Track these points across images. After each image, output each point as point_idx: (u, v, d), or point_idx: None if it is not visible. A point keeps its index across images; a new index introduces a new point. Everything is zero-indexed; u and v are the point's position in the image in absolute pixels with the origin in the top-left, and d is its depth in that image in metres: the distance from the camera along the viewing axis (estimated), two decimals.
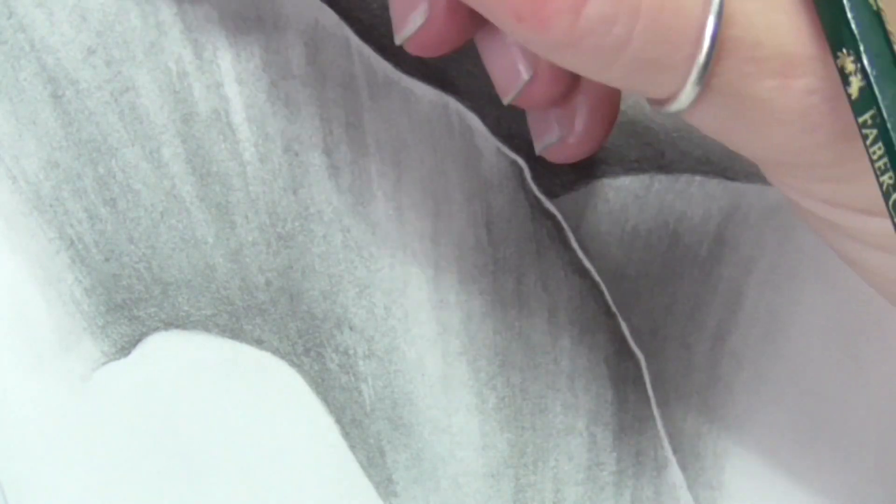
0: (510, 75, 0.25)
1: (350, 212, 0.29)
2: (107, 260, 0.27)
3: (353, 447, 0.29)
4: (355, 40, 0.29)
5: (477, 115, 0.29)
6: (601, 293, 0.30)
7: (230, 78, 0.28)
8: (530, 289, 0.30)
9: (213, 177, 0.28)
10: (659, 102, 0.22)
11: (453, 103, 0.29)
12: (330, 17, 0.29)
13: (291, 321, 0.28)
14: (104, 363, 0.28)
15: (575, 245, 0.30)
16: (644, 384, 0.30)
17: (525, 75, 0.25)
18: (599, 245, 0.30)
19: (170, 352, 0.28)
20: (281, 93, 0.28)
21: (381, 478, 0.29)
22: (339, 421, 0.29)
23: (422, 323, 0.29)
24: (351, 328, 0.29)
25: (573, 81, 0.26)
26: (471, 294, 0.29)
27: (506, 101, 0.26)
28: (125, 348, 0.28)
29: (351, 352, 0.29)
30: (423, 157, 0.29)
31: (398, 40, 0.26)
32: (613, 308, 0.30)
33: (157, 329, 0.28)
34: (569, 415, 0.30)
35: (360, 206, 0.29)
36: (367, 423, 0.29)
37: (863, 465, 0.32)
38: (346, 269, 0.29)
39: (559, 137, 0.27)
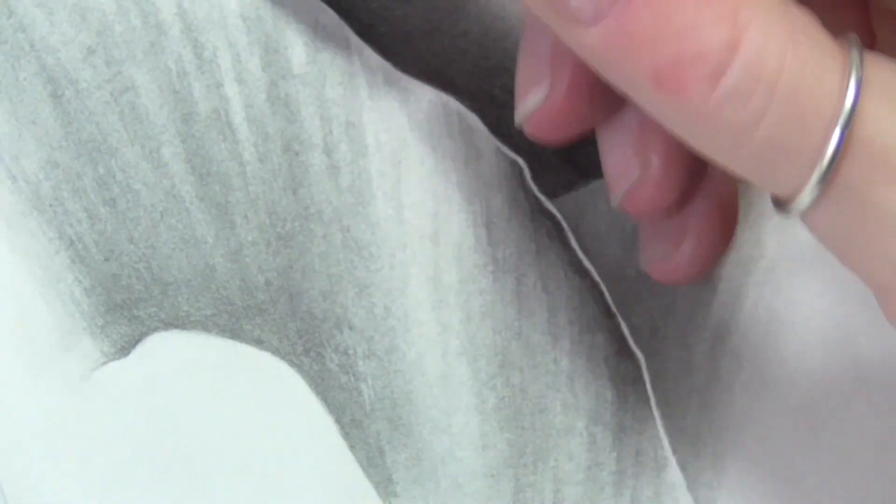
0: (622, 170, 0.25)
1: (350, 212, 0.29)
2: (106, 260, 0.27)
3: (352, 447, 0.29)
4: (355, 40, 0.29)
5: (477, 115, 0.29)
6: (601, 293, 0.30)
7: (230, 78, 0.28)
8: (530, 289, 0.30)
9: (212, 177, 0.28)
10: (782, 202, 0.22)
11: (453, 103, 0.29)
12: (330, 17, 0.29)
13: (291, 321, 0.28)
14: (104, 363, 0.28)
15: (575, 245, 0.30)
16: (644, 384, 0.30)
17: (636, 172, 0.25)
18: (599, 245, 0.30)
19: (170, 352, 0.28)
20: (281, 93, 0.28)
21: (381, 478, 0.29)
22: (338, 421, 0.29)
23: (422, 323, 0.29)
24: (351, 328, 0.29)
25: (683, 191, 0.26)
26: (471, 294, 0.29)
27: (614, 201, 0.26)
28: (125, 348, 0.28)
29: (351, 352, 0.29)
30: (423, 157, 0.29)
31: (517, 120, 0.25)
32: (613, 308, 0.30)
33: (156, 329, 0.28)
34: (569, 415, 0.30)
35: (360, 206, 0.29)
36: (366, 423, 0.29)
37: (863, 465, 0.32)
38: (346, 269, 0.29)
39: (665, 253, 0.27)
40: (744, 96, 0.20)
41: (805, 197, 0.21)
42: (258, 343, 0.28)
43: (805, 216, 0.22)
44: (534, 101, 0.25)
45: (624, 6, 0.20)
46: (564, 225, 0.30)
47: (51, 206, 0.27)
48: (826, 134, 0.20)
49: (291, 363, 0.29)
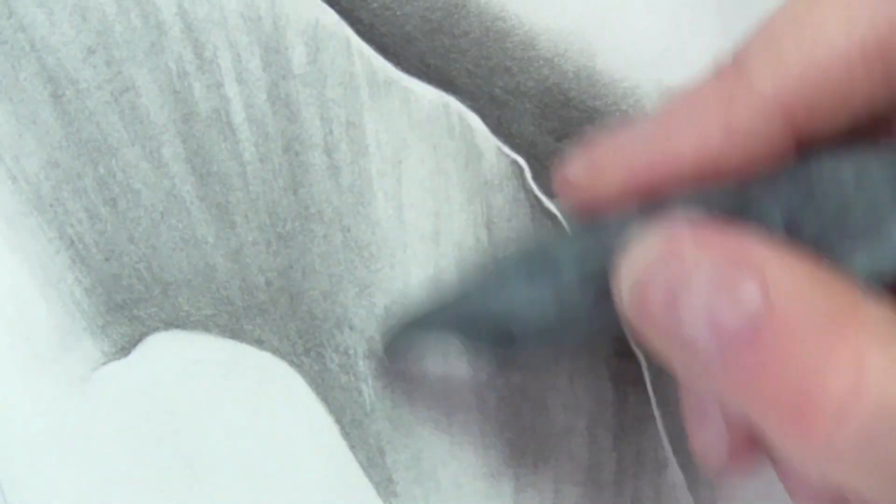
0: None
1: (350, 212, 0.29)
2: (107, 260, 0.27)
3: (353, 447, 0.29)
4: (355, 40, 0.29)
5: (477, 115, 0.29)
6: None
7: (230, 78, 0.28)
8: None
9: (213, 177, 0.28)
10: None
11: (453, 103, 0.29)
12: (330, 17, 0.29)
13: (291, 321, 0.28)
14: (104, 363, 0.28)
15: None
16: (644, 384, 0.30)
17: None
18: None
19: (170, 352, 0.28)
20: (281, 93, 0.28)
21: (381, 478, 0.29)
22: (339, 421, 0.29)
23: None
24: (351, 328, 0.29)
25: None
26: None
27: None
28: (125, 348, 0.28)
29: (351, 352, 0.29)
30: (423, 157, 0.29)
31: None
32: None
33: (157, 329, 0.28)
34: (569, 415, 0.30)
35: (360, 206, 0.29)
36: (367, 423, 0.29)
37: None
38: (346, 269, 0.29)
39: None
40: (869, 437, 0.19)
41: None
42: (258, 343, 0.28)
43: None
44: (711, 446, 0.25)
45: (748, 345, 0.20)
46: (565, 225, 0.30)
47: (51, 206, 0.27)
48: None
49: (292, 363, 0.29)
